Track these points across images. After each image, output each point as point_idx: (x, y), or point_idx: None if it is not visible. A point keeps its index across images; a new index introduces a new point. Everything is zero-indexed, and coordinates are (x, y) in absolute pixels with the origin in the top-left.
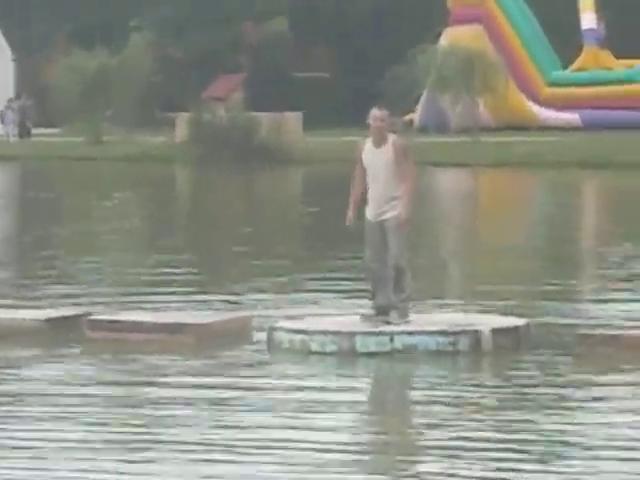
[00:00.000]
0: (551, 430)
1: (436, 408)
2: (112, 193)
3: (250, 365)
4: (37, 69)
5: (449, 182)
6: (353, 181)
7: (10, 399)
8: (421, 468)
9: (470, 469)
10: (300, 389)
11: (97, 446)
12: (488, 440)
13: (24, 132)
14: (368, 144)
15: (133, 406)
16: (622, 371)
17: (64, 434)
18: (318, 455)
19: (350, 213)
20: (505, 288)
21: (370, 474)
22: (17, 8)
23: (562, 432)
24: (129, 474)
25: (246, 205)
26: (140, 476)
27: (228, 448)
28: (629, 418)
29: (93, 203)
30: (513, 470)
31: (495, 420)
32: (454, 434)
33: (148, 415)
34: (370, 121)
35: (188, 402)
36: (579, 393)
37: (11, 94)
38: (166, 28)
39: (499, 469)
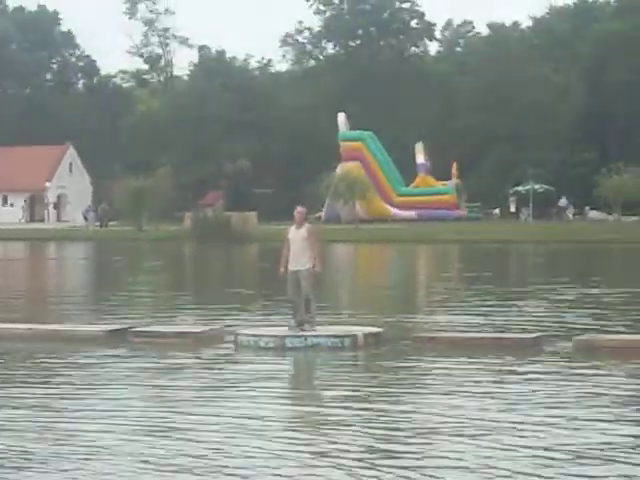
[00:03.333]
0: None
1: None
2: (149, 258)
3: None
4: (104, 188)
5: (341, 251)
6: (283, 249)
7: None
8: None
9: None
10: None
11: None
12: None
13: (104, 224)
14: (292, 227)
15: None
16: (435, 358)
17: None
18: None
19: (282, 268)
20: (371, 310)
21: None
22: (93, 153)
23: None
24: None
25: (226, 264)
26: None
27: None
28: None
29: (141, 263)
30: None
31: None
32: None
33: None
34: (295, 212)
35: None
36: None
37: (88, 203)
38: (179, 164)
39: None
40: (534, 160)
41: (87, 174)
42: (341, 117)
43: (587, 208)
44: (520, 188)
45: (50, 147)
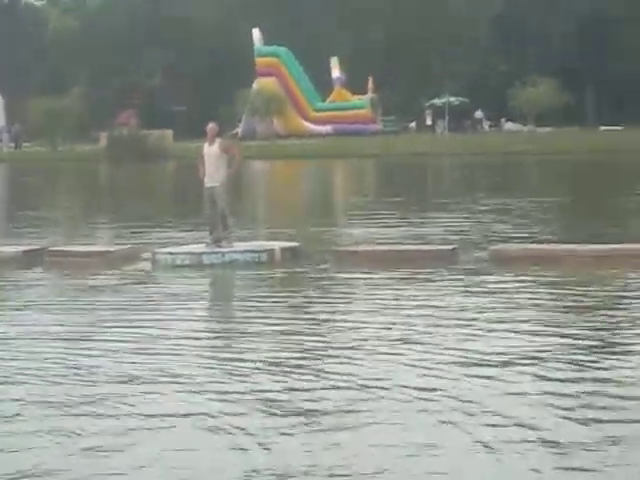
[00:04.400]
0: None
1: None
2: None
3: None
4: (18, 108)
5: (257, 168)
6: (199, 165)
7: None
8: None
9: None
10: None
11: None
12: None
13: (18, 146)
14: (206, 144)
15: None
16: (349, 270)
17: None
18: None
19: (200, 175)
20: (288, 224)
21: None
22: (6, 73)
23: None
24: None
25: (145, 180)
26: None
27: None
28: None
29: (56, 184)
30: None
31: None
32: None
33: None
34: (207, 129)
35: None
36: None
37: (2, 124)
38: (92, 82)
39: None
40: (449, 73)
41: (0, 95)
42: (256, 33)
43: (503, 120)
44: (436, 101)
45: None
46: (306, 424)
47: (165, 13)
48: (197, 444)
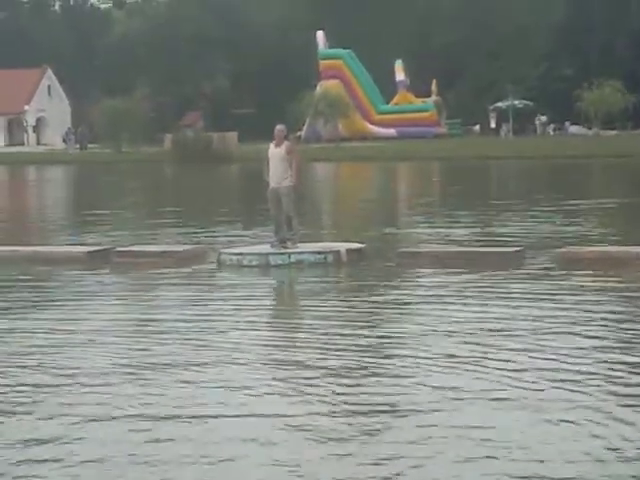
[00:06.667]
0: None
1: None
2: (130, 179)
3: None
4: (83, 111)
5: (322, 170)
6: (264, 166)
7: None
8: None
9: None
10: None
11: None
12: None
13: (83, 147)
14: (272, 145)
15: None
16: (419, 271)
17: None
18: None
19: (265, 177)
20: (352, 227)
21: None
22: (72, 76)
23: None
24: None
25: (208, 184)
26: None
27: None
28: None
29: (122, 184)
30: None
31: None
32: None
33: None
34: (275, 131)
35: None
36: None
37: (68, 126)
38: (157, 85)
39: None
40: (514, 76)
41: (66, 97)
42: (320, 35)
43: (567, 123)
44: (500, 104)
45: (28, 70)
46: None
47: (230, 16)
48: None
